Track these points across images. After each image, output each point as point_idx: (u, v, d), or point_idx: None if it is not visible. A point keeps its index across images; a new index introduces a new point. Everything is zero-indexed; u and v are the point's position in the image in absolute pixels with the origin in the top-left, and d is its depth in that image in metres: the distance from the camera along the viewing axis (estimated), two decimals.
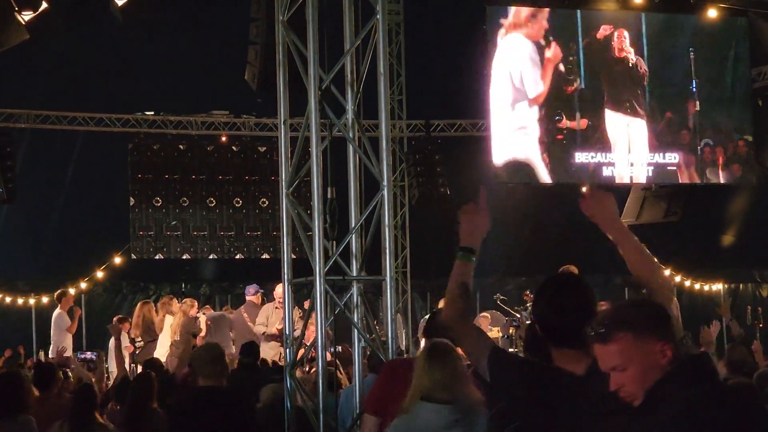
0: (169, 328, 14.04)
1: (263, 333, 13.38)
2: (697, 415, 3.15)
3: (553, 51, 15.87)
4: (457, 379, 5.03)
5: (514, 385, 3.91)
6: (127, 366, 13.11)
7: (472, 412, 4.96)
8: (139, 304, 15.01)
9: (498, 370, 3.96)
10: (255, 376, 9.49)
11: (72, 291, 18.46)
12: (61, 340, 15.26)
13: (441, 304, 16.07)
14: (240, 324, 13.91)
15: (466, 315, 4.14)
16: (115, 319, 14.81)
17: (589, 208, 4.17)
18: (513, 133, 15.62)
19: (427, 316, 12.82)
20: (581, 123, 15.85)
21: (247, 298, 14.29)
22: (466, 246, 4.21)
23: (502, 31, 15.55)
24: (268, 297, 14.50)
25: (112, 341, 14.67)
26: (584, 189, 3.96)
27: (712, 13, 16.19)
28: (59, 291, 16.16)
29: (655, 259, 4.11)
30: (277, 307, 13.26)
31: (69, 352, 15.54)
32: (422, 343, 6.89)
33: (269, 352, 13.05)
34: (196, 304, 14.69)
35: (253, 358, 9.97)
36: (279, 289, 13.27)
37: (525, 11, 15.64)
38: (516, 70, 15.70)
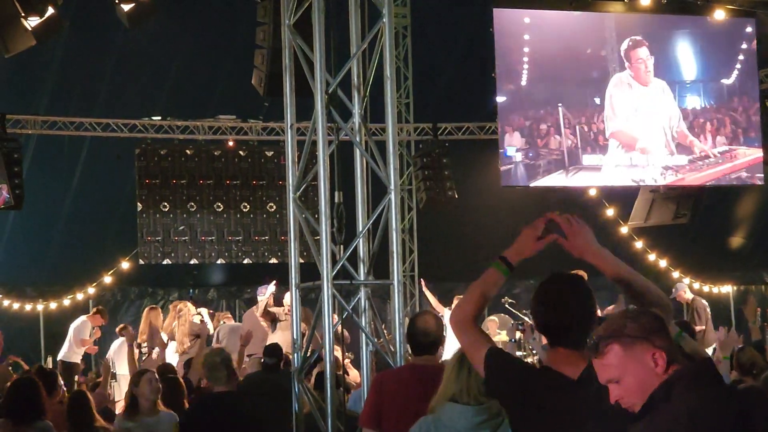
0: (180, 335, 14.06)
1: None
2: (693, 421, 3.13)
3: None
4: (479, 386, 5.11)
5: (508, 387, 3.96)
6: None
7: (499, 415, 5.04)
8: (146, 310, 15.01)
9: (494, 370, 4.00)
10: (275, 377, 9.52)
11: (80, 296, 18.55)
12: (74, 347, 15.29)
13: (433, 302, 16.22)
14: (251, 322, 13.91)
15: (474, 318, 4.18)
16: (120, 327, 14.85)
17: (569, 239, 4.15)
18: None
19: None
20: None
21: (259, 298, 14.31)
22: (507, 258, 4.22)
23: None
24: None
25: (117, 345, 14.70)
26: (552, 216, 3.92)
27: (720, 14, 16.13)
28: (100, 308, 16.19)
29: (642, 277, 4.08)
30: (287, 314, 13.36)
31: (78, 360, 15.57)
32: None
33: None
34: (189, 304, 14.64)
35: (276, 359, 9.96)
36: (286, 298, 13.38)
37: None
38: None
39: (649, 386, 3.23)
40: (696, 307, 15.33)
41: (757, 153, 16.35)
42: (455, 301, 11.94)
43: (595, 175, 15.85)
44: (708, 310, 15.79)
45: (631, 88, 15.82)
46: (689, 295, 15.82)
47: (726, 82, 16.44)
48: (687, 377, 3.22)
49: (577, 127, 15.68)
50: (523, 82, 15.53)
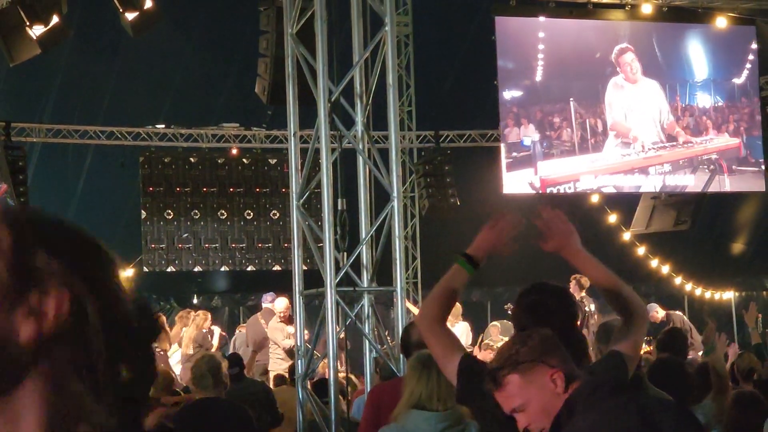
0: (187, 339, 14.08)
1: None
2: None
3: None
4: (448, 390, 5.09)
5: (481, 395, 3.75)
6: None
7: (462, 421, 5.05)
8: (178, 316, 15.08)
9: (467, 378, 3.87)
10: (242, 386, 9.52)
11: None
12: None
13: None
14: (255, 329, 13.95)
15: (439, 318, 4.03)
16: None
17: (549, 235, 4.06)
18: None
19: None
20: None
21: (264, 305, 14.35)
22: (471, 255, 4.12)
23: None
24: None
25: None
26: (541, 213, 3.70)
27: (721, 22, 16.21)
28: None
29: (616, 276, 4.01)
30: (281, 321, 13.44)
31: None
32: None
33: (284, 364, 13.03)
34: (209, 316, 14.69)
35: (239, 368, 10.00)
36: (279, 304, 13.43)
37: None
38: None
39: (553, 408, 3.21)
40: (674, 320, 15.40)
41: (733, 141, 16.68)
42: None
43: (597, 155, 16.14)
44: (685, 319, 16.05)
45: (623, 89, 16.40)
46: (662, 314, 15.91)
47: (737, 81, 16.71)
48: (586, 393, 3.22)
49: (587, 121, 16.12)
50: (538, 78, 15.98)
